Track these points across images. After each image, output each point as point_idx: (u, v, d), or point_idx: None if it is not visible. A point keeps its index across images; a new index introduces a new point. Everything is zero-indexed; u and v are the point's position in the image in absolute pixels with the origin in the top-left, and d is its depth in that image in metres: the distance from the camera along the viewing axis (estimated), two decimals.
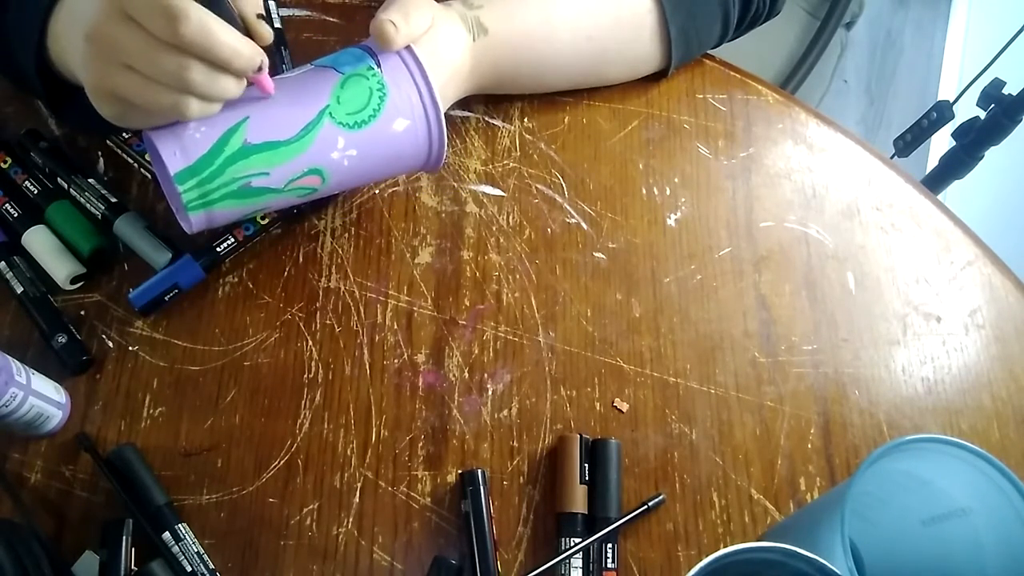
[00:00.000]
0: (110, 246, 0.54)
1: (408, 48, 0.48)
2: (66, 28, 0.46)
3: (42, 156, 0.56)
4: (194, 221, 0.46)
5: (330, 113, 0.46)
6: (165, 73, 0.39)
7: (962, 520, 0.43)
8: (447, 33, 0.52)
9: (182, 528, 0.47)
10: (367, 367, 0.53)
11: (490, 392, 0.53)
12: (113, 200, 0.55)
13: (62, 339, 0.51)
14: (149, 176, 0.57)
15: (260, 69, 0.42)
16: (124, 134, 0.58)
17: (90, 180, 0.56)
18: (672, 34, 0.59)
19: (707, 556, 0.36)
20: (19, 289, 0.52)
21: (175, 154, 0.43)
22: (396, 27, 0.47)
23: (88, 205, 0.55)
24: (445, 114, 0.49)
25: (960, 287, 0.60)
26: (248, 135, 0.44)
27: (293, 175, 0.46)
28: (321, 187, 0.48)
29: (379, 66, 0.47)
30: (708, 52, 0.66)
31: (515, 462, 0.51)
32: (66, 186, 0.55)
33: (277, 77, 0.46)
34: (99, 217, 0.55)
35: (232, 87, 0.42)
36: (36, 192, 0.55)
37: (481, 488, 0.49)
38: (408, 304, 0.55)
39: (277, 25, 0.63)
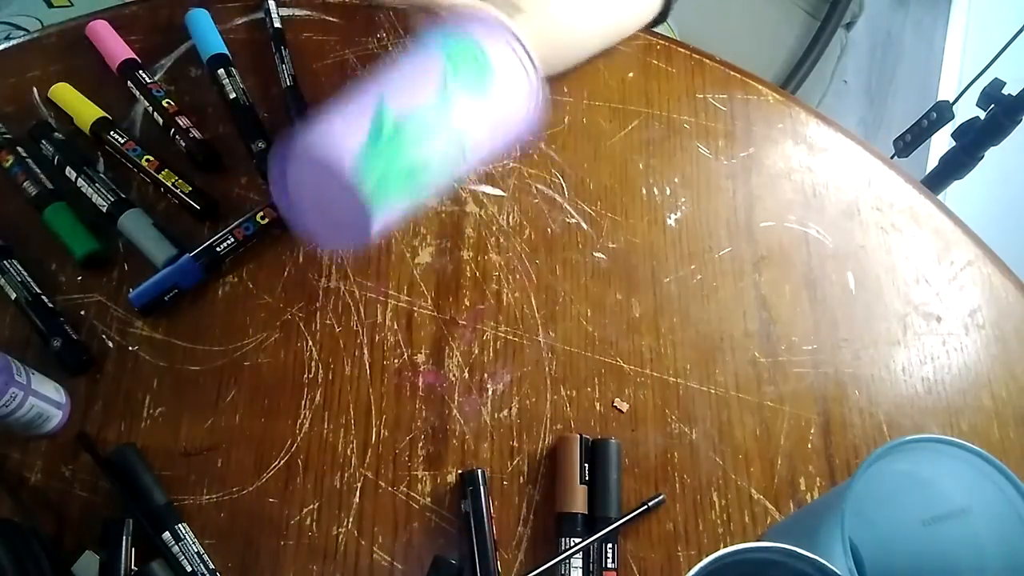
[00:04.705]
0: (105, 251, 0.54)
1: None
2: None
3: (54, 146, 0.56)
4: None
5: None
6: None
7: (962, 520, 0.43)
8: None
9: (182, 528, 0.47)
10: (367, 367, 0.53)
11: (490, 392, 0.53)
12: (123, 195, 0.55)
13: (61, 341, 0.51)
14: (148, 180, 0.57)
15: None
16: (120, 138, 0.58)
17: (100, 173, 0.55)
18: None
19: (707, 556, 0.36)
20: (13, 295, 0.52)
21: None
22: None
23: (97, 196, 0.55)
24: None
25: (960, 287, 0.60)
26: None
27: None
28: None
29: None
30: (708, 52, 0.66)
31: (515, 462, 0.51)
32: (74, 176, 0.55)
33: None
34: (104, 211, 0.55)
35: None
36: (36, 193, 0.55)
37: (481, 488, 0.48)
38: (408, 304, 0.55)
39: (277, 25, 0.63)
